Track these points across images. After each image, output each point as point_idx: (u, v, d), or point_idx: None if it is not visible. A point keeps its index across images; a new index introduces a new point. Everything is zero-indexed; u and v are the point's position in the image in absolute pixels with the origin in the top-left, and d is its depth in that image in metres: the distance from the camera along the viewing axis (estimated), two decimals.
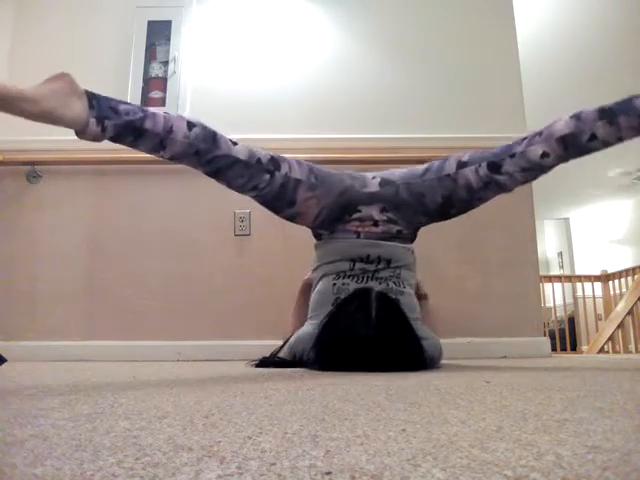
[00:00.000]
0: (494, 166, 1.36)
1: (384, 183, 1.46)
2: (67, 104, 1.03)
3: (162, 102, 2.38)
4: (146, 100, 2.39)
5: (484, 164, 1.37)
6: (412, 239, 1.54)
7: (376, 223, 1.46)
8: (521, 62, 2.42)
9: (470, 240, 2.21)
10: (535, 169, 1.33)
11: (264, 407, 0.61)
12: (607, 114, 1.23)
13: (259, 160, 1.32)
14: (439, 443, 0.40)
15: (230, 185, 1.35)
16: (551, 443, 0.39)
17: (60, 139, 2.33)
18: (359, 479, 0.31)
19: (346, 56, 2.44)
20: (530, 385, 0.85)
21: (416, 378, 1.00)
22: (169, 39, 2.46)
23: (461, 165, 1.41)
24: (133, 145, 1.17)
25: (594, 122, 1.24)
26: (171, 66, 2.42)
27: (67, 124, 1.05)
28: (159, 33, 2.47)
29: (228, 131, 2.31)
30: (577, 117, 1.27)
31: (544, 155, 1.30)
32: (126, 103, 1.15)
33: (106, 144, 2.37)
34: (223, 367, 1.56)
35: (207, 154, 1.24)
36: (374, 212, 1.45)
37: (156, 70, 2.43)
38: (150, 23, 2.48)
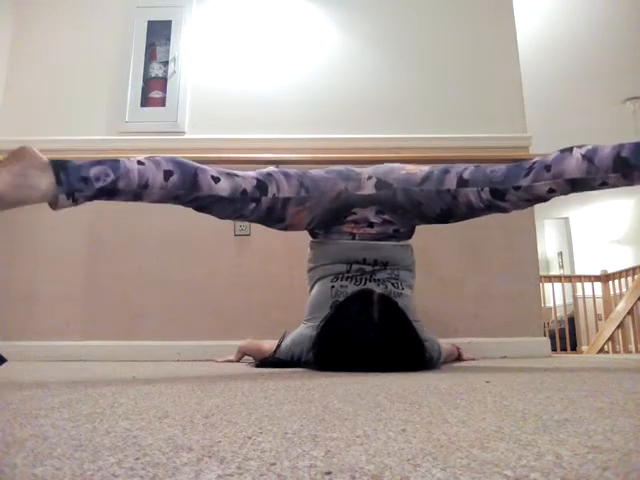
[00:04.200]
0: (498, 193, 1.30)
1: (380, 186, 1.43)
2: (31, 185, 0.97)
3: (162, 102, 2.39)
4: (146, 100, 2.39)
5: (487, 189, 1.31)
6: (409, 236, 1.53)
7: (371, 224, 1.44)
8: (521, 62, 2.42)
9: (470, 240, 2.21)
10: (539, 200, 1.31)
11: (264, 407, 0.61)
12: (622, 166, 1.15)
13: (244, 192, 1.26)
14: (439, 443, 0.40)
15: (216, 217, 1.32)
16: (551, 443, 0.39)
17: (60, 139, 2.34)
18: (359, 479, 0.31)
19: (346, 56, 2.44)
20: (530, 385, 0.85)
21: (416, 378, 1.00)
22: (169, 39, 2.46)
23: (462, 183, 1.35)
24: (108, 200, 1.14)
25: (607, 172, 1.17)
26: (171, 66, 2.42)
27: (37, 202, 1.00)
28: (159, 33, 2.47)
29: (228, 131, 2.34)
30: (590, 160, 1.19)
31: (550, 191, 1.25)
32: (98, 163, 1.09)
33: (107, 143, 2.35)
34: (223, 367, 1.56)
35: (187, 197, 1.20)
36: (369, 214, 1.44)
37: (156, 70, 2.44)
38: (150, 23, 2.48)
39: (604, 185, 1.20)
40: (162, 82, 2.42)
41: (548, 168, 1.24)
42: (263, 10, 2.50)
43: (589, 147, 1.21)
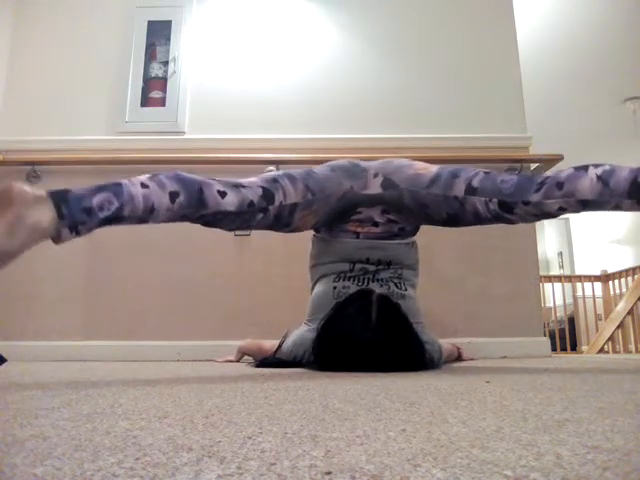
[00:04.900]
0: (506, 206, 1.26)
1: (387, 185, 1.39)
2: (31, 225, 0.89)
3: (162, 102, 2.39)
4: (146, 100, 2.39)
5: (495, 200, 1.26)
6: (414, 233, 1.51)
7: (376, 224, 1.43)
8: (521, 62, 2.42)
9: (470, 240, 2.21)
10: (547, 216, 1.27)
11: (264, 407, 0.61)
12: (638, 192, 1.10)
13: (251, 203, 1.21)
14: (439, 443, 0.40)
15: (225, 229, 1.28)
16: (551, 443, 0.39)
17: (60, 139, 2.34)
18: (359, 479, 0.31)
19: (346, 56, 2.44)
20: (530, 385, 0.85)
21: (416, 378, 1.00)
22: (169, 39, 2.46)
23: (470, 191, 1.30)
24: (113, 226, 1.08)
25: (622, 196, 1.12)
26: (171, 66, 2.42)
27: (40, 241, 0.93)
28: (159, 33, 2.47)
29: (228, 131, 2.34)
30: (605, 182, 1.13)
31: (560, 209, 1.20)
32: (100, 190, 1.01)
33: (107, 143, 2.35)
34: (223, 367, 1.56)
35: (194, 215, 1.15)
36: (375, 214, 1.42)
37: (156, 70, 2.43)
38: (150, 23, 2.48)
39: (617, 209, 1.16)
40: (162, 82, 2.42)
41: (560, 186, 1.18)
42: (263, 10, 2.50)
43: (606, 167, 1.16)
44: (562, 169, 1.23)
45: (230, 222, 1.23)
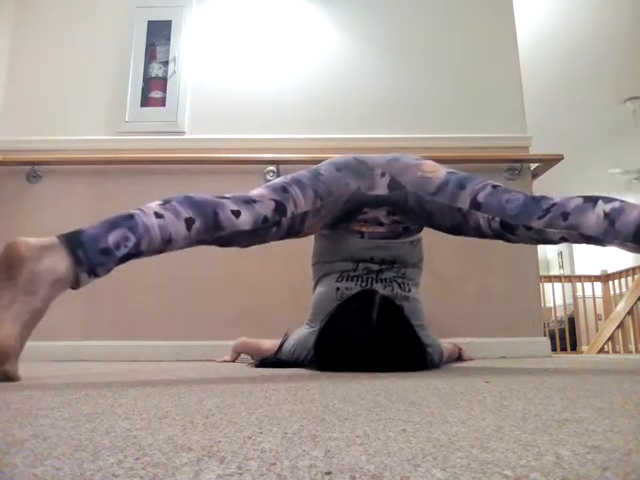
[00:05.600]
0: (508, 227, 1.23)
1: (393, 186, 1.38)
2: (50, 280, 0.87)
3: (162, 102, 2.39)
4: (146, 100, 2.39)
5: (498, 219, 1.24)
6: (419, 231, 1.51)
7: (381, 224, 1.42)
8: (521, 62, 2.42)
9: (470, 240, 2.19)
10: (548, 243, 1.25)
11: (264, 407, 0.61)
12: None
13: (265, 219, 1.19)
14: (439, 443, 0.40)
15: (239, 247, 1.26)
16: (551, 443, 0.39)
17: (60, 139, 2.34)
18: (359, 479, 0.31)
19: (346, 56, 2.44)
20: (530, 385, 0.85)
21: (416, 378, 1.00)
22: (169, 39, 2.46)
23: (475, 205, 1.28)
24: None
25: (626, 239, 1.07)
26: (171, 66, 2.42)
27: (61, 292, 0.91)
28: (159, 33, 2.48)
29: (228, 131, 2.33)
30: (612, 222, 1.08)
31: (562, 239, 1.18)
32: (115, 226, 0.98)
33: (107, 143, 2.36)
34: (223, 367, 1.56)
35: (210, 238, 1.14)
36: (380, 215, 1.41)
37: (156, 70, 2.44)
38: (150, 23, 2.48)
39: (620, 248, 1.13)
40: (162, 82, 2.42)
41: (565, 216, 1.14)
42: (263, 10, 2.50)
43: (615, 205, 1.10)
44: (572, 196, 1.19)
45: (244, 240, 1.21)
